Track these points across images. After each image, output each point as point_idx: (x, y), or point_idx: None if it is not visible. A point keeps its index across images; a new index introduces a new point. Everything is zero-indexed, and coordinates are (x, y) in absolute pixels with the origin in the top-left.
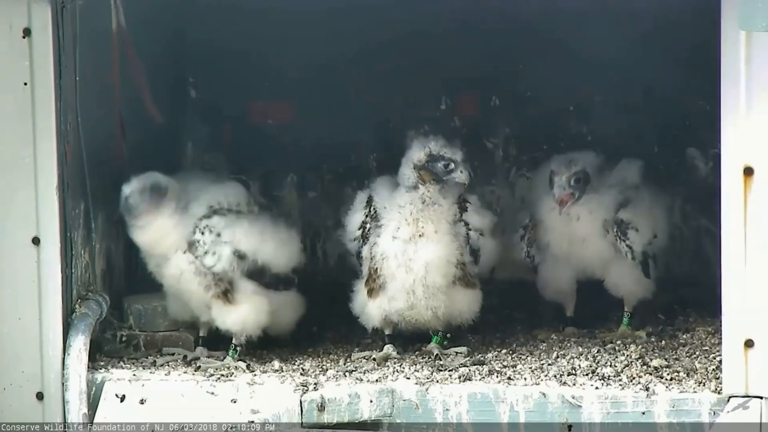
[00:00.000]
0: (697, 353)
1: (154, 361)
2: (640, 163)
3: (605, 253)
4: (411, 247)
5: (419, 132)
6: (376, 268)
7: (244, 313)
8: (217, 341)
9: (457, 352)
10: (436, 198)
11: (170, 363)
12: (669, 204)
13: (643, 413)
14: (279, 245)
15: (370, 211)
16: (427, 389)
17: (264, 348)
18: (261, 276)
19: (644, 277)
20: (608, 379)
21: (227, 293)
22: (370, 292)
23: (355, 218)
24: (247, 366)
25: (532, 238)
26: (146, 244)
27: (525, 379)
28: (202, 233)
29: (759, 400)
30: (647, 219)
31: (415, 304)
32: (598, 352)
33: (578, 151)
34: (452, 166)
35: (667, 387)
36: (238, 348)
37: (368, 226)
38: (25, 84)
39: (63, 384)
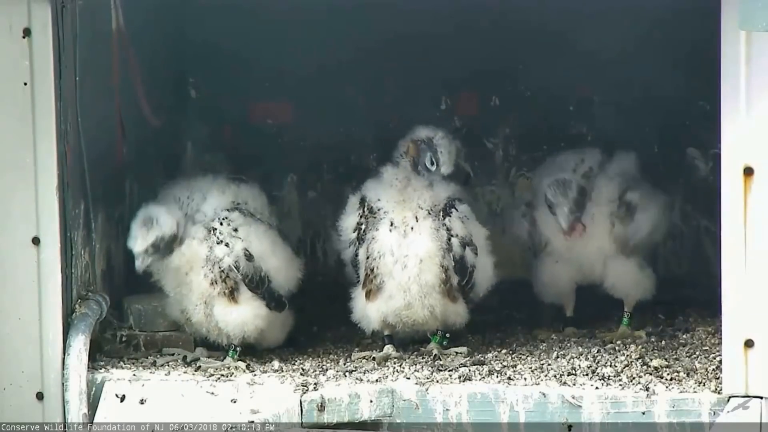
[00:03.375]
0: (697, 353)
1: (154, 361)
2: (635, 155)
3: (606, 247)
4: (405, 241)
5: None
6: (373, 268)
7: (245, 313)
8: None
9: (457, 352)
10: (419, 179)
11: (170, 363)
12: (664, 200)
13: (643, 413)
14: (283, 263)
15: (363, 211)
16: (427, 389)
17: (264, 348)
18: (259, 286)
19: (643, 276)
20: (608, 379)
21: (233, 292)
22: (368, 294)
23: (348, 221)
24: (247, 366)
25: (533, 219)
26: (176, 270)
27: (525, 379)
28: (221, 223)
29: (759, 400)
30: (649, 208)
31: (412, 302)
32: (598, 352)
33: (564, 154)
34: (429, 161)
35: (667, 387)
36: (238, 348)
37: (363, 227)
38: (25, 84)
39: (63, 384)
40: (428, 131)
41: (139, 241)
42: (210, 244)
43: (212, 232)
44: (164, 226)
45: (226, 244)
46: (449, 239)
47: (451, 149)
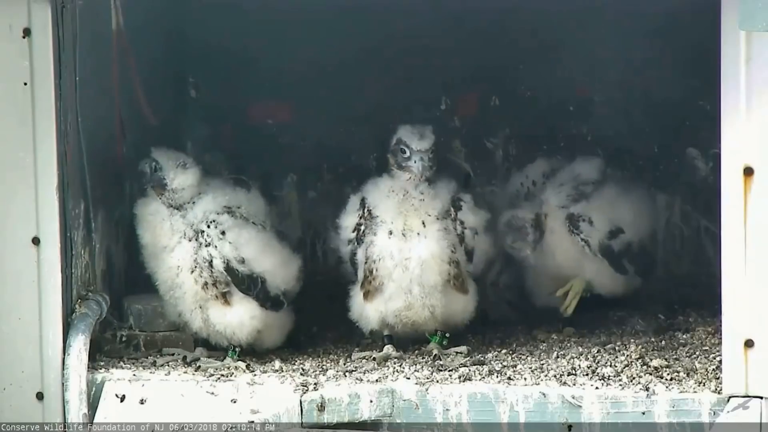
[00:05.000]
0: (697, 353)
1: (154, 361)
2: (598, 160)
3: (574, 255)
4: (406, 246)
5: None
6: (372, 270)
7: (241, 314)
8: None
9: (457, 352)
10: (417, 187)
11: (170, 363)
12: (643, 200)
13: (643, 413)
14: (278, 263)
15: (363, 212)
16: (427, 389)
17: (263, 349)
18: (251, 288)
19: (616, 273)
20: (608, 379)
21: (225, 295)
22: (367, 295)
23: (348, 221)
24: (247, 366)
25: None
26: (145, 221)
27: (525, 379)
28: (208, 226)
29: (759, 400)
30: (605, 212)
31: (413, 303)
32: (598, 352)
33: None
34: (407, 153)
35: (667, 387)
36: (238, 348)
37: (362, 228)
38: (25, 84)
39: (63, 384)
40: (401, 131)
41: (156, 153)
42: (197, 246)
43: (200, 234)
44: (178, 170)
45: (215, 246)
46: (463, 232)
47: (424, 133)
